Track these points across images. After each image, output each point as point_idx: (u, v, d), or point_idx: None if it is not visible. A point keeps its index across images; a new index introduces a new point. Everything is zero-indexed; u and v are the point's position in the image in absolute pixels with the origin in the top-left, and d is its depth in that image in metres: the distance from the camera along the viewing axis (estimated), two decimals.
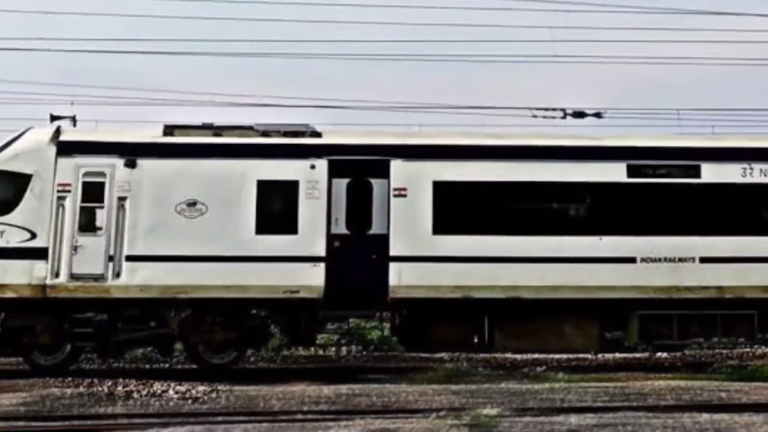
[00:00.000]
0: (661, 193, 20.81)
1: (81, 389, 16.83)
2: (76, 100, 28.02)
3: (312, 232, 20.09)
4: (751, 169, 21.02)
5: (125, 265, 19.74)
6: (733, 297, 20.51)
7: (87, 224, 19.87)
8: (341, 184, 20.48)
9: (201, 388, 16.80)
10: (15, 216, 19.73)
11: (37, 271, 19.55)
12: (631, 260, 20.36)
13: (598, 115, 28.38)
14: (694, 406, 14.28)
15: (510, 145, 21.18)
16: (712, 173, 20.98)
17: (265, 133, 20.96)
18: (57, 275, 19.59)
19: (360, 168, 20.58)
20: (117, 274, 19.72)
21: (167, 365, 22.49)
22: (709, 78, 71.49)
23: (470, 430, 11.48)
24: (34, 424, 13.29)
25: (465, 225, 20.34)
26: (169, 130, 20.95)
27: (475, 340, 21.15)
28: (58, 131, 20.80)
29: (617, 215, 20.68)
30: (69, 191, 19.97)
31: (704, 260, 20.40)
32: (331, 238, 20.19)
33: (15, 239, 19.62)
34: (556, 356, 23.42)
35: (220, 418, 13.40)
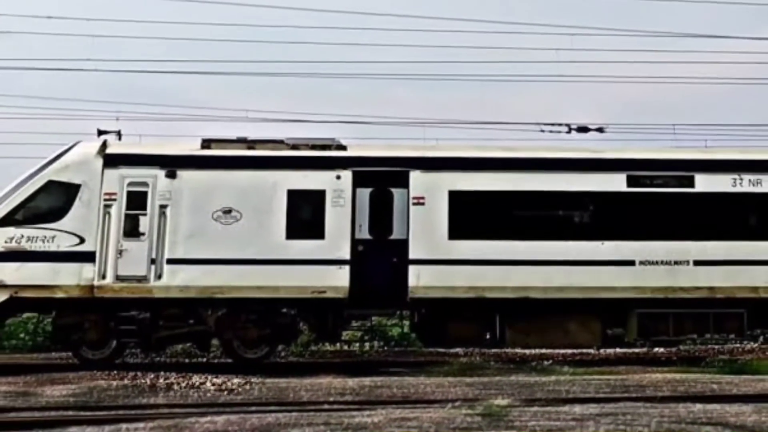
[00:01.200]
0: (658, 202, 20.79)
1: (125, 381, 16.86)
2: (121, 116, 28.10)
3: (338, 237, 20.12)
4: (741, 179, 20.98)
5: (166, 267, 19.79)
6: (724, 297, 20.46)
7: (131, 230, 19.93)
8: (364, 193, 20.50)
9: (236, 380, 16.83)
10: (65, 222, 19.80)
11: (86, 273, 19.61)
12: (631, 263, 20.32)
13: (600, 129, 28.22)
14: (689, 397, 14.22)
15: (519, 158, 21.17)
16: (705, 183, 20.95)
17: (294, 147, 21.01)
18: (104, 277, 19.65)
19: (382, 178, 20.61)
20: (159, 276, 19.78)
21: (204, 359, 22.55)
22: (703, 96, 71.37)
23: (483, 419, 11.43)
24: (82, 413, 13.30)
25: (478, 231, 20.32)
26: (206, 143, 21.05)
27: (488, 336, 21.14)
28: (104, 145, 20.84)
29: (618, 221, 20.64)
30: (115, 200, 20.04)
31: (697, 263, 20.36)
32: (355, 242, 20.20)
33: (65, 244, 19.69)
34: (562, 351, 23.29)
35: (253, 408, 13.39)
